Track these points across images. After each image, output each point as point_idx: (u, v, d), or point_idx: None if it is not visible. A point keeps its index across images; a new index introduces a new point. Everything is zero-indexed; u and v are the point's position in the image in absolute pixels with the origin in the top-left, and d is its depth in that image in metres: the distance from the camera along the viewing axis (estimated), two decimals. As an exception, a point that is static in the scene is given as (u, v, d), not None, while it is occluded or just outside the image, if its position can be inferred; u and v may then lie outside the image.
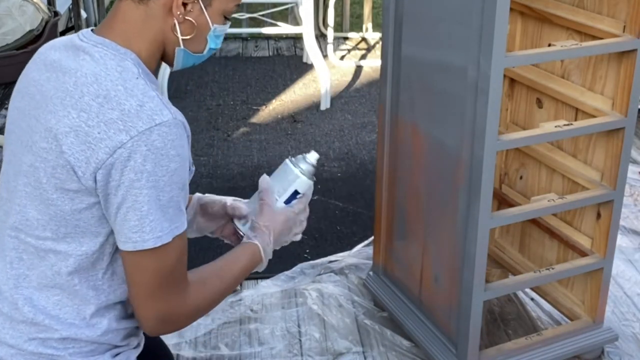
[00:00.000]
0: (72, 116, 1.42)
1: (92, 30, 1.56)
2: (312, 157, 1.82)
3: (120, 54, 1.49)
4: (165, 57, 1.60)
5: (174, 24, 1.54)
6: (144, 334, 1.74)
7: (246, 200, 1.87)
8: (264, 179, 1.80)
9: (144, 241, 1.44)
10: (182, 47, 1.57)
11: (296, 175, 1.80)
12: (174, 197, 1.45)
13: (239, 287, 2.92)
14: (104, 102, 1.42)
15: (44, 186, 1.46)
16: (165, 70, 4.47)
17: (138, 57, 1.52)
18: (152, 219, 1.43)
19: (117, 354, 1.59)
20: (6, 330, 1.55)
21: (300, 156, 1.84)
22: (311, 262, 3.09)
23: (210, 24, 1.58)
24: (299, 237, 1.84)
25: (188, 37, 1.56)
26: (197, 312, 1.59)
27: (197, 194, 1.90)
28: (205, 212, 1.87)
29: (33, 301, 1.53)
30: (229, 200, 1.85)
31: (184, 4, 1.53)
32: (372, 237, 2.87)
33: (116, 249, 1.52)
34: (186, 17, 1.54)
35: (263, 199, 1.77)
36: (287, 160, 1.83)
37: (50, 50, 1.56)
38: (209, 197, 1.88)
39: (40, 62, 1.56)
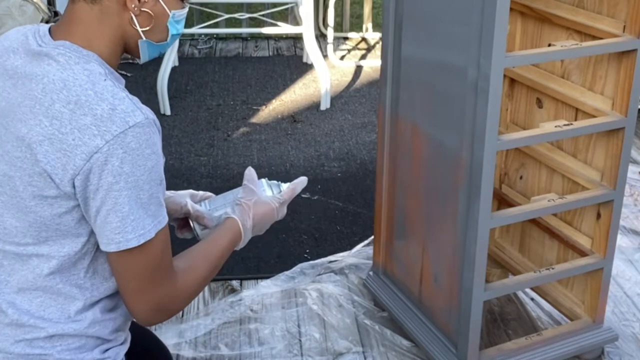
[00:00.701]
0: (45, 124, 1.41)
1: (48, 31, 1.53)
2: (285, 187, 1.87)
3: (84, 55, 1.47)
4: (130, 51, 1.58)
5: (131, 18, 1.52)
6: (138, 334, 1.74)
7: (218, 196, 1.88)
8: (251, 170, 1.83)
9: (127, 241, 1.44)
10: (144, 39, 1.56)
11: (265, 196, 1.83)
12: (153, 193, 1.45)
13: (239, 287, 2.93)
14: (76, 108, 1.41)
15: (20, 194, 1.45)
16: (165, 70, 4.47)
17: (100, 58, 1.50)
18: (134, 218, 1.43)
19: (106, 350, 1.58)
20: None
21: (276, 182, 1.88)
22: (311, 262, 3.09)
23: (168, 11, 1.56)
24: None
25: (147, 28, 1.55)
26: (188, 297, 1.59)
27: None
28: None
29: (16, 305, 1.52)
30: (189, 204, 1.83)
31: None
32: (372, 237, 2.87)
33: (97, 249, 1.52)
34: (142, 9, 1.52)
35: (248, 185, 1.80)
36: (263, 180, 1.86)
37: (8, 53, 1.52)
38: (167, 197, 1.84)
39: (0, 67, 1.52)
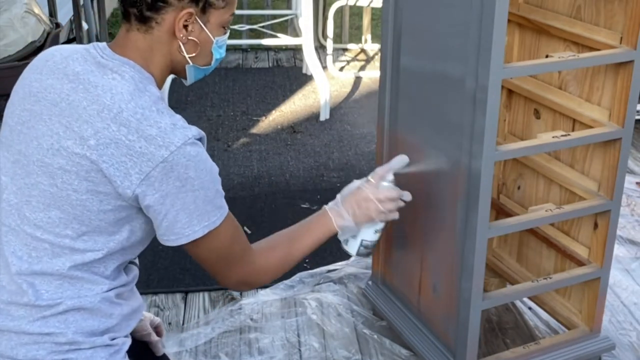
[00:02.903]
0: (112, 129, 1.51)
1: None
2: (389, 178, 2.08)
3: (146, 77, 1.60)
4: (177, 74, 1.73)
5: (179, 46, 1.64)
6: (139, 344, 1.77)
7: None
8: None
9: (194, 232, 1.58)
10: (191, 64, 1.69)
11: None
12: (218, 189, 1.61)
13: (239, 296, 2.94)
14: (142, 119, 1.52)
15: (75, 187, 1.54)
16: (166, 81, 4.48)
17: (154, 80, 1.64)
18: (199, 213, 1.57)
19: (113, 338, 1.64)
20: (3, 319, 1.59)
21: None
22: (310, 271, 3.10)
23: (212, 38, 1.68)
24: (379, 225, 2.07)
25: (194, 54, 1.67)
26: (269, 273, 1.79)
27: None
28: None
29: (35, 286, 1.58)
30: (153, 336, 1.94)
31: (185, 26, 1.62)
32: (371, 247, 2.88)
33: (125, 247, 1.62)
34: (189, 37, 1.64)
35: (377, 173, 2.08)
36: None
37: (68, 61, 1.62)
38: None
39: (59, 71, 1.60)
